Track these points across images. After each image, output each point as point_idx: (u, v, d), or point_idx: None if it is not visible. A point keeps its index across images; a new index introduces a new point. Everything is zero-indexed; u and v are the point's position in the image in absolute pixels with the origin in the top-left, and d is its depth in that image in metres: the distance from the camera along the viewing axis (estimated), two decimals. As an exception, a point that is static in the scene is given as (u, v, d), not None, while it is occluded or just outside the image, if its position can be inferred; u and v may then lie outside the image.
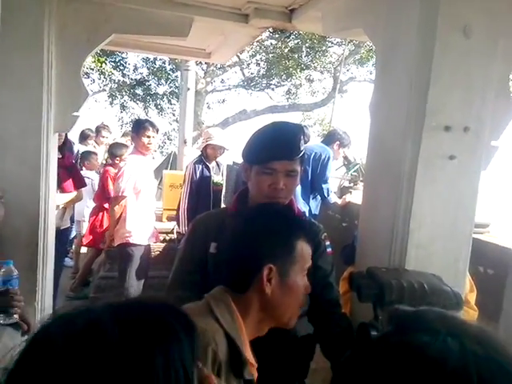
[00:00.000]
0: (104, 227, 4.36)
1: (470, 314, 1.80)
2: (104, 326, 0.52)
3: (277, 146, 1.42)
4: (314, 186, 3.80)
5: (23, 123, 2.06)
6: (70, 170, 3.54)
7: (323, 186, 3.80)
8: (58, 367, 0.49)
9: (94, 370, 0.49)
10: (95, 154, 5.17)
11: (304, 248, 1.13)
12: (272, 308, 1.10)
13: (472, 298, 1.83)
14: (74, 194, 3.53)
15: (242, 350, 1.03)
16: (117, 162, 4.43)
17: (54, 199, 2.32)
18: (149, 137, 3.56)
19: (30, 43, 2.05)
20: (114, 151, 4.56)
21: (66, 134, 3.48)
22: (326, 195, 3.84)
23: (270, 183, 1.43)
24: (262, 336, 1.14)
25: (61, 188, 3.41)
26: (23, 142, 2.00)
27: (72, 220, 4.05)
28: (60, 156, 3.44)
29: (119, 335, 0.52)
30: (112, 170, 4.35)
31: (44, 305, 2.20)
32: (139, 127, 3.60)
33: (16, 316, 1.65)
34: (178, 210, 4.04)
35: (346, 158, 4.36)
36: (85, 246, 4.48)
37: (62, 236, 3.59)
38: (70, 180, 3.49)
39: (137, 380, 0.51)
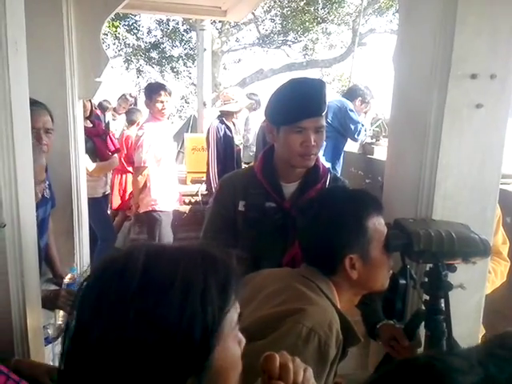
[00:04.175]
0: (127, 191, 4.49)
1: (501, 264, 1.83)
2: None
3: (305, 104, 1.42)
4: (347, 136, 3.82)
5: (49, 91, 2.08)
6: (104, 138, 3.60)
7: (354, 127, 3.74)
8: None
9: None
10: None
11: (377, 222, 1.13)
12: (363, 284, 1.15)
13: (504, 249, 1.84)
14: (110, 160, 3.64)
15: (353, 325, 1.06)
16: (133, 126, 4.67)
17: (84, 166, 2.39)
18: (162, 102, 3.47)
19: (50, 10, 2.06)
20: (130, 117, 4.93)
21: (92, 105, 3.53)
22: (355, 136, 3.80)
23: (302, 141, 1.44)
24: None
25: (99, 155, 3.49)
26: (51, 110, 2.04)
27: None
28: (91, 125, 3.51)
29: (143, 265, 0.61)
30: (132, 136, 4.42)
31: (82, 265, 2.31)
32: (151, 92, 3.51)
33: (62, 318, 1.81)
34: (207, 174, 4.04)
35: (366, 112, 4.28)
36: (115, 209, 4.60)
37: (108, 200, 4.06)
38: (107, 147, 3.58)
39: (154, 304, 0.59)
